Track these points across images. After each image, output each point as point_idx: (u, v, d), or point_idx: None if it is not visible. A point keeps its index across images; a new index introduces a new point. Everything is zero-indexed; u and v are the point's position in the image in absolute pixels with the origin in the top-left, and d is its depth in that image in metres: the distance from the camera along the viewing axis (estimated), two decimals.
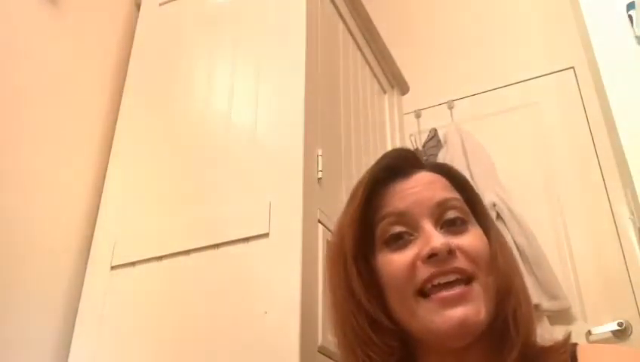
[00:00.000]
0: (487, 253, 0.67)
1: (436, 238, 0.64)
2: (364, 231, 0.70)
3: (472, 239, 0.67)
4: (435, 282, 0.64)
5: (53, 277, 1.35)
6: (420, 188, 0.70)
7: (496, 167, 2.31)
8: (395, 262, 0.66)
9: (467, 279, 0.64)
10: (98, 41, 1.65)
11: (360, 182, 0.74)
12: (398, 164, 0.73)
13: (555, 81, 2.53)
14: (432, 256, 0.64)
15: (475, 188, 0.75)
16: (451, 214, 0.68)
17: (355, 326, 0.68)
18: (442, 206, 0.68)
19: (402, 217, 0.68)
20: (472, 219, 0.70)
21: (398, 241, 0.67)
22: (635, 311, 2.01)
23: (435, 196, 0.69)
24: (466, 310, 0.62)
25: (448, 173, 0.74)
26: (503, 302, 0.65)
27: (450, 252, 0.64)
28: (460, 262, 0.64)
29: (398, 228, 0.68)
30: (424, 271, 0.64)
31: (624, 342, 1.97)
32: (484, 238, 0.69)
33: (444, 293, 0.63)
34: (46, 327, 1.31)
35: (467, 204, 0.71)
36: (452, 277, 0.64)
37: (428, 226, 0.66)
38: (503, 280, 0.66)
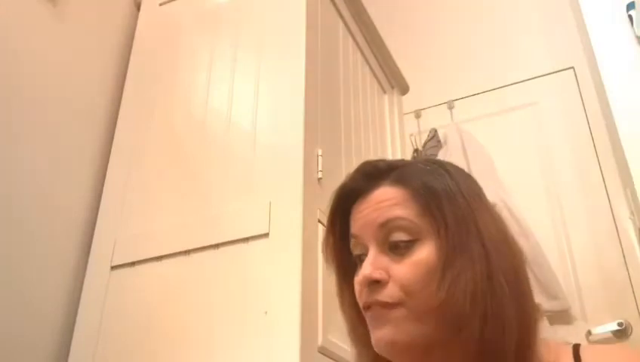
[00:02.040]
0: (431, 274, 0.65)
1: (363, 269, 0.67)
2: (341, 248, 0.74)
3: (409, 266, 0.66)
4: None
5: (53, 277, 1.35)
6: (369, 210, 0.70)
7: (496, 167, 2.31)
8: (354, 284, 0.71)
9: (388, 306, 0.66)
10: (98, 41, 1.65)
11: (329, 205, 0.76)
12: (358, 185, 0.74)
13: (555, 81, 2.53)
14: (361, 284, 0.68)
15: (451, 197, 0.68)
16: (395, 236, 0.68)
17: (358, 328, 0.73)
18: (385, 227, 0.68)
19: (357, 240, 0.71)
20: (425, 236, 0.67)
21: (360, 262, 0.71)
22: (635, 311, 2.01)
23: (379, 217, 0.69)
24: (383, 332, 0.66)
25: (410, 183, 0.70)
26: (469, 319, 0.63)
27: (371, 284, 0.67)
28: (385, 294, 0.66)
29: (357, 251, 0.72)
30: (360, 297, 0.69)
31: (624, 342, 1.97)
32: (431, 258, 0.65)
33: (367, 313, 0.68)
34: (46, 327, 1.31)
35: (431, 216, 0.67)
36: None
37: (372, 251, 0.69)
38: (460, 296, 0.63)
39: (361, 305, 0.69)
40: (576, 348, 0.67)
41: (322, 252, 0.77)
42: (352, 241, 0.72)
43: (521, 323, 0.64)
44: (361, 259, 0.70)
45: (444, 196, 0.67)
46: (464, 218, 0.67)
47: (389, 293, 0.66)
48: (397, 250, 0.67)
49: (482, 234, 0.66)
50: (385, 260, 0.67)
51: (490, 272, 0.64)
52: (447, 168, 0.71)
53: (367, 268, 0.67)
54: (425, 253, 0.66)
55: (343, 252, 0.74)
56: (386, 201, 0.69)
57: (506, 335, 0.62)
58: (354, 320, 0.73)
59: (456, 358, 0.65)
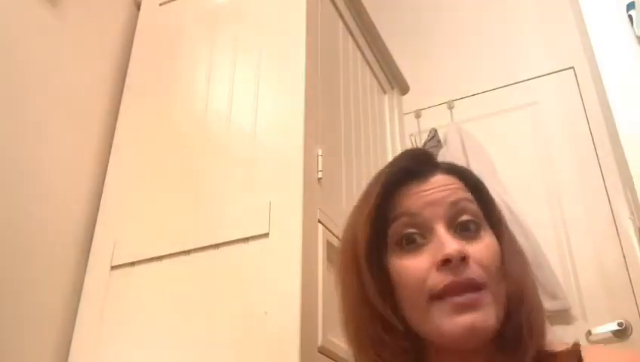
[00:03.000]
0: (498, 261, 0.66)
1: (449, 244, 0.64)
2: (377, 230, 0.70)
3: (484, 248, 0.66)
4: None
5: (53, 277, 1.35)
6: (435, 190, 0.69)
7: (496, 167, 2.31)
8: (408, 268, 0.66)
9: (478, 286, 0.64)
10: (98, 41, 1.65)
11: (375, 182, 0.72)
12: (414, 167, 0.72)
13: (555, 80, 2.54)
14: (445, 263, 0.64)
15: (489, 191, 0.74)
16: (465, 217, 0.67)
17: (368, 328, 0.68)
18: (456, 206, 0.68)
19: (414, 218, 0.68)
20: (485, 224, 0.69)
21: (410, 244, 0.67)
22: (635, 311, 2.01)
23: (449, 196, 0.68)
24: (475, 317, 0.62)
25: (463, 174, 0.73)
26: (516, 307, 0.65)
27: (464, 259, 0.63)
28: (472, 272, 0.63)
29: (409, 230, 0.68)
30: (437, 279, 0.64)
31: (624, 342, 1.98)
32: (497, 245, 0.67)
33: (456, 299, 0.63)
34: (46, 327, 1.31)
35: (481, 208, 0.71)
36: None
37: (441, 230, 0.66)
38: (515, 286, 0.66)
39: (433, 290, 0.64)
40: (576, 348, 0.67)
41: (358, 237, 0.70)
42: (404, 220, 0.68)
43: (542, 314, 0.68)
44: (413, 238, 0.67)
45: (490, 194, 0.73)
46: (502, 216, 0.73)
47: (477, 272, 0.63)
48: (466, 232, 0.67)
49: (511, 233, 0.73)
50: (458, 240, 0.65)
51: (527, 266, 0.70)
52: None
53: (455, 243, 0.63)
54: (491, 239, 0.68)
55: (372, 239, 0.69)
56: (452, 185, 0.70)
57: (542, 324, 0.66)
58: (365, 318, 0.68)
59: (493, 349, 0.66)
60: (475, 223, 0.68)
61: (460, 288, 0.63)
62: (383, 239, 0.69)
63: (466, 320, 0.62)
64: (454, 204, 0.68)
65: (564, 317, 2.07)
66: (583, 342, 0.70)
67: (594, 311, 2.08)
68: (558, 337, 0.70)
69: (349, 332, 0.72)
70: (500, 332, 0.64)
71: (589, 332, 2.02)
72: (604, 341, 1.99)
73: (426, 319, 0.65)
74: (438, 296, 0.64)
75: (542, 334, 0.66)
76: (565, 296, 2.06)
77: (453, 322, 0.62)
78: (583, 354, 0.65)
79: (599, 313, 2.06)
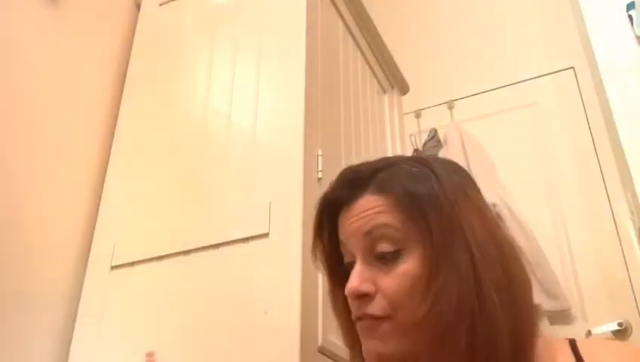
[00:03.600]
0: (417, 285, 0.64)
1: (350, 282, 0.67)
2: (332, 253, 0.74)
3: (395, 278, 0.65)
4: None
5: (53, 277, 1.35)
6: (354, 219, 0.69)
7: (496, 167, 2.31)
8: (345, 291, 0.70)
9: (378, 320, 0.66)
10: (98, 41, 1.65)
11: (315, 219, 0.75)
12: (340, 195, 0.72)
13: (555, 81, 2.53)
14: (349, 297, 0.68)
15: (435, 203, 0.65)
16: (381, 247, 0.66)
17: (347, 333, 0.73)
18: (370, 235, 0.67)
19: (346, 248, 0.71)
20: (410, 245, 0.65)
21: (350, 269, 0.70)
22: (635, 311, 2.01)
23: (364, 226, 0.68)
24: (372, 343, 0.66)
25: (394, 190, 0.67)
26: (460, 320, 0.61)
27: (360, 297, 0.66)
28: (373, 306, 0.66)
29: (347, 258, 0.71)
30: (352, 307, 0.69)
31: (624, 342, 1.97)
32: (416, 269, 0.64)
33: (359, 323, 0.68)
34: (46, 327, 1.31)
35: (415, 224, 0.65)
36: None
37: (358, 262, 0.68)
38: (445, 308, 0.61)
39: (352, 315, 0.69)
40: (573, 343, 0.67)
41: (311, 259, 0.75)
42: (342, 248, 0.72)
43: (514, 330, 0.62)
44: (352, 266, 0.69)
45: (428, 202, 0.65)
46: (449, 224, 0.64)
47: (377, 306, 0.65)
48: (383, 260, 0.66)
49: (468, 239, 0.64)
50: (372, 271, 0.67)
51: (478, 281, 0.62)
52: (433, 167, 0.68)
53: (355, 281, 0.66)
54: (411, 263, 0.65)
55: (333, 257, 0.74)
56: (370, 210, 0.68)
57: (498, 344, 0.61)
58: (347, 325, 0.72)
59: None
60: (391, 252, 0.66)
61: (357, 319, 0.68)
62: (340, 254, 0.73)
63: (366, 345, 0.67)
64: (368, 233, 0.67)
65: (564, 317, 2.07)
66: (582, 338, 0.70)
67: (594, 311, 2.07)
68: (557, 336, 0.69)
69: (342, 335, 0.76)
70: (465, 344, 0.61)
71: (589, 332, 2.02)
72: None
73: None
74: None
75: (501, 347, 0.61)
76: (565, 296, 2.05)
77: (364, 345, 0.68)
78: (580, 347, 0.65)
79: (599, 313, 2.06)
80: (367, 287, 0.66)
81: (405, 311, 0.64)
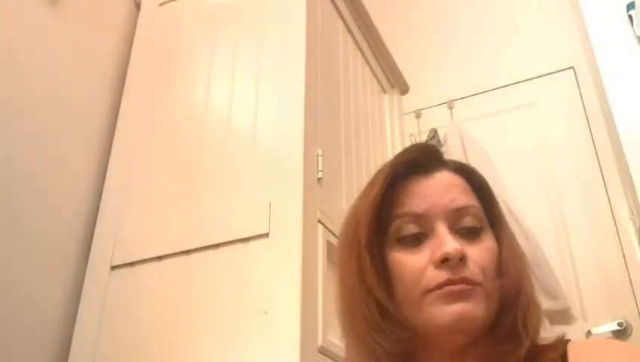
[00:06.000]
0: (495, 263, 0.69)
1: (449, 243, 0.66)
2: (379, 221, 0.71)
3: (482, 250, 0.68)
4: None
5: (53, 277, 1.35)
6: (440, 191, 0.70)
7: (496, 167, 2.31)
8: (407, 264, 0.68)
9: (472, 284, 0.66)
10: (98, 41, 1.65)
11: (380, 172, 0.73)
12: (421, 160, 0.73)
13: (555, 80, 2.53)
14: (444, 261, 0.66)
15: (493, 191, 0.75)
16: (467, 222, 0.69)
17: (365, 312, 0.69)
18: (459, 212, 0.69)
19: (419, 219, 0.69)
20: (487, 225, 0.71)
21: (411, 241, 0.69)
22: (635, 311, 2.01)
23: (453, 201, 0.69)
24: (464, 306, 0.64)
25: (469, 175, 0.74)
26: (513, 303, 0.67)
27: (462, 258, 0.65)
28: (468, 271, 0.66)
29: (413, 229, 0.69)
30: (434, 276, 0.66)
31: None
32: (495, 247, 0.70)
33: (450, 287, 0.65)
34: (46, 327, 1.31)
35: (484, 208, 0.72)
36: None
37: (442, 229, 0.67)
38: (512, 284, 0.68)
39: (429, 286, 0.65)
40: (565, 344, 0.68)
41: (358, 231, 0.70)
42: (408, 219, 0.69)
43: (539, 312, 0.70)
44: (416, 237, 0.68)
45: (493, 194, 0.74)
46: (503, 215, 0.74)
47: (474, 271, 0.66)
48: (468, 234, 0.69)
49: (509, 230, 0.74)
50: (458, 241, 0.67)
51: (523, 264, 0.72)
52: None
53: (455, 243, 0.66)
54: (491, 241, 0.70)
55: (374, 226, 0.70)
56: (457, 187, 0.71)
57: (535, 318, 0.68)
58: (361, 299, 0.68)
59: (486, 344, 0.67)
60: (476, 228, 0.70)
61: (454, 284, 0.66)
62: (384, 230, 0.71)
63: (455, 308, 0.64)
64: (458, 210, 0.69)
65: (564, 317, 2.07)
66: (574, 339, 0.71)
67: (594, 311, 2.08)
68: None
69: (347, 320, 0.72)
70: (496, 326, 0.67)
71: (589, 332, 2.02)
72: None
73: (418, 309, 0.67)
74: (432, 291, 0.66)
75: (537, 330, 0.68)
76: (565, 296, 2.06)
77: (443, 310, 0.65)
78: (569, 349, 0.66)
79: (599, 313, 2.06)
80: (465, 251, 0.67)
81: (490, 281, 0.67)
